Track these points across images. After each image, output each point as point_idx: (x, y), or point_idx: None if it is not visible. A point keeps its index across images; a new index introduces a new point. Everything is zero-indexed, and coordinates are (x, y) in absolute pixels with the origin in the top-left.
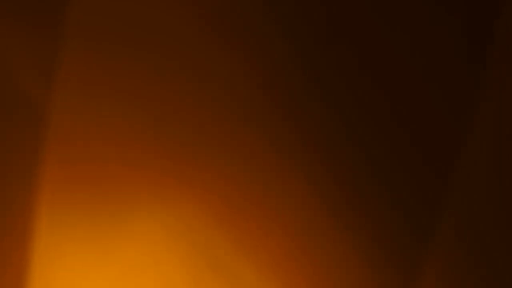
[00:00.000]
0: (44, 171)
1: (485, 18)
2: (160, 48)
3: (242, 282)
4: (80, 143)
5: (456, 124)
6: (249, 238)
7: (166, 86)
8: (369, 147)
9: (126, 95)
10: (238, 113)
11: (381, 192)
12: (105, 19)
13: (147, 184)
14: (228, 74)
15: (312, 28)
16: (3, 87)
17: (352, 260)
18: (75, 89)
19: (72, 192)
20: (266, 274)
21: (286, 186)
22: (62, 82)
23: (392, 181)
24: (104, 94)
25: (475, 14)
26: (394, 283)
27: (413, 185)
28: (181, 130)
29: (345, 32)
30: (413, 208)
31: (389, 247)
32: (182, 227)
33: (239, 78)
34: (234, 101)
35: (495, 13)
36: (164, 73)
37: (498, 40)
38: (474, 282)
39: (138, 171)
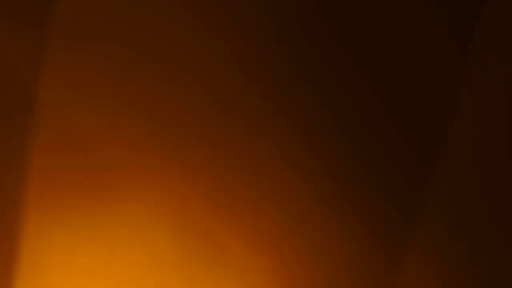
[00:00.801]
0: (33, 158)
1: (466, 20)
2: (149, 47)
3: (230, 259)
4: (69, 130)
5: (441, 115)
6: (237, 216)
7: (152, 82)
8: (357, 136)
9: (113, 91)
10: (227, 104)
11: (369, 178)
12: (93, 17)
13: (136, 165)
14: (217, 70)
15: (305, 26)
16: None
17: (339, 242)
18: (64, 86)
19: (61, 176)
20: (254, 252)
21: (274, 169)
22: (50, 82)
23: (380, 168)
24: (92, 90)
25: (456, 17)
26: (381, 266)
27: (400, 172)
28: (169, 116)
29: (336, 32)
30: (400, 193)
31: (377, 230)
32: (170, 206)
33: (228, 72)
34: (222, 94)
35: (475, 15)
36: (152, 71)
37: (478, 40)
38: (459, 263)
39: (127, 154)
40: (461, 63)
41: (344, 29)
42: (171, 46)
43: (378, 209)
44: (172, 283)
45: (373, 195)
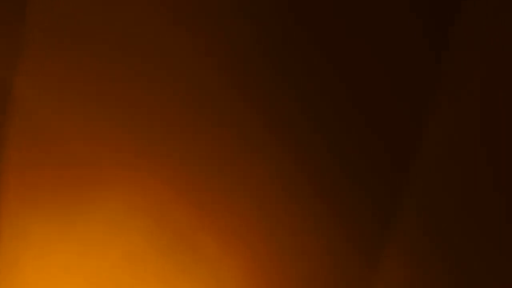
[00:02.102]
0: (8, 155)
1: (441, 25)
2: (127, 46)
3: (205, 257)
4: (44, 127)
5: (416, 116)
6: (212, 215)
7: (128, 80)
8: (333, 137)
9: (88, 89)
10: (205, 102)
11: (345, 178)
12: (69, 16)
13: (112, 163)
14: (196, 69)
15: (284, 27)
16: None
17: (315, 242)
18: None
19: (36, 173)
20: (229, 251)
21: (250, 168)
22: (25, 80)
23: (355, 168)
24: (67, 88)
25: (431, 22)
26: (357, 266)
27: (375, 172)
28: (145, 114)
29: (314, 35)
30: (375, 194)
31: (352, 231)
32: (146, 203)
33: (207, 71)
34: (200, 92)
35: (450, 21)
36: (128, 69)
37: (453, 44)
38: (435, 262)
39: (103, 151)
40: (436, 65)
41: (322, 32)
42: (150, 45)
43: (354, 209)
44: (146, 280)
45: (349, 195)
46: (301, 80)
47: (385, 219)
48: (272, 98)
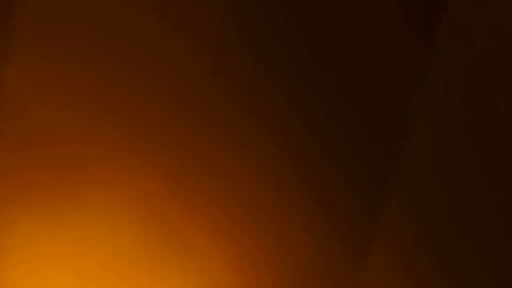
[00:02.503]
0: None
1: (429, 20)
2: (118, 46)
3: (194, 255)
4: (34, 126)
5: (404, 110)
6: (201, 212)
7: (118, 79)
8: (322, 130)
9: (78, 88)
10: (194, 101)
11: (334, 172)
12: (61, 15)
13: (101, 162)
14: (185, 68)
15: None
16: None
17: (304, 236)
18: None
19: (25, 173)
20: (218, 248)
21: (240, 165)
22: (15, 79)
23: (344, 162)
24: (57, 87)
25: (419, 17)
26: (346, 259)
27: (364, 168)
28: (135, 113)
29: (303, 30)
30: (364, 188)
31: (341, 225)
32: (134, 202)
33: (196, 70)
34: (190, 91)
35: (436, 20)
36: (118, 69)
37: (439, 45)
38: (423, 256)
39: (92, 150)
40: (424, 58)
41: (311, 29)
42: (145, 45)
43: (342, 205)
44: (136, 279)
45: (336, 191)
46: (291, 74)
47: (373, 214)
48: (261, 93)
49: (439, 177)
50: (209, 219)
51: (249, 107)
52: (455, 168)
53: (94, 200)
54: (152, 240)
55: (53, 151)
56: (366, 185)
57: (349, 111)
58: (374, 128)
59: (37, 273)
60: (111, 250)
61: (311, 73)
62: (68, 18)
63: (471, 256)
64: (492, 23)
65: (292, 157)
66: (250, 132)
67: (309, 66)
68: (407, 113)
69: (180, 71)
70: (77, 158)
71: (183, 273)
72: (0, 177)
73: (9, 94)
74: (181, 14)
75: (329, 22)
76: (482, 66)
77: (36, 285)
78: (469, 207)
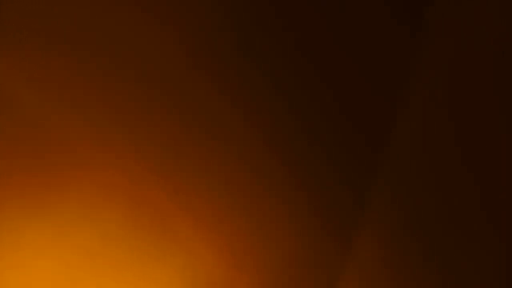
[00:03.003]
0: None
1: (416, 10)
2: (100, 45)
3: (180, 240)
4: (20, 117)
5: (390, 101)
6: (188, 199)
7: (101, 77)
8: (307, 119)
9: (61, 86)
10: (178, 90)
11: (318, 162)
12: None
13: (88, 144)
14: (169, 64)
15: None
16: None
17: (288, 226)
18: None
19: (10, 158)
20: (203, 234)
21: (224, 154)
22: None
23: (329, 152)
24: (40, 87)
25: (403, 15)
26: (330, 248)
27: (349, 156)
28: (123, 99)
29: (288, 22)
30: (349, 177)
31: (326, 214)
32: (121, 186)
33: (180, 66)
34: (175, 85)
35: (418, 27)
36: (100, 69)
37: (425, 36)
38: (408, 244)
39: (79, 132)
40: (410, 50)
41: (298, 22)
42: (136, 46)
43: (327, 192)
44: (121, 262)
45: (322, 178)
46: (277, 67)
47: (358, 201)
48: (244, 82)
49: (423, 168)
50: (195, 207)
51: (236, 101)
52: (438, 159)
53: (80, 183)
54: (138, 224)
55: (39, 137)
56: (352, 173)
57: (335, 102)
58: (359, 119)
59: (22, 255)
60: (96, 233)
61: (297, 65)
62: (62, 18)
63: (455, 244)
64: (478, 16)
65: (277, 148)
66: (234, 125)
67: (295, 59)
68: (393, 103)
69: (168, 71)
70: (63, 142)
71: (168, 258)
72: None
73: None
74: (174, 15)
75: (315, 16)
76: (467, 59)
77: (21, 267)
78: (452, 196)
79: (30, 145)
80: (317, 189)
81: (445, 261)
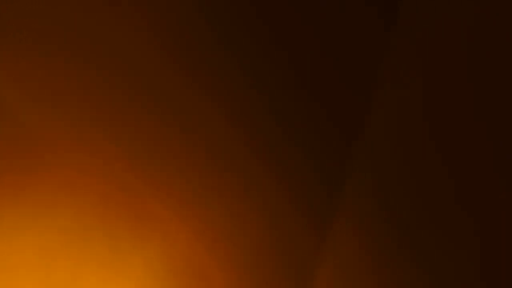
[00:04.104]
0: None
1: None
2: (80, 46)
3: (155, 224)
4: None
5: (364, 88)
6: (162, 182)
7: (79, 76)
8: (280, 105)
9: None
10: (149, 86)
11: (293, 147)
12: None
13: (62, 130)
14: (147, 62)
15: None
16: None
17: (262, 211)
18: None
19: None
20: (178, 219)
21: (199, 140)
22: None
23: (304, 139)
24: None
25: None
26: (304, 234)
27: (324, 142)
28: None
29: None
30: (323, 163)
31: (300, 200)
32: (96, 169)
33: (157, 63)
34: (154, 82)
35: (392, 21)
36: (76, 69)
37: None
38: (382, 230)
39: (54, 119)
40: (384, 38)
41: (272, 14)
42: (107, 45)
43: (302, 179)
44: (96, 242)
45: (297, 165)
46: (250, 54)
47: (332, 190)
48: (220, 73)
49: (397, 157)
50: (170, 198)
51: (211, 90)
52: (413, 148)
53: (55, 164)
54: (113, 205)
55: (14, 123)
56: (327, 159)
57: (310, 92)
58: (333, 108)
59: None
60: (71, 214)
61: (271, 56)
62: (43, 18)
63: (430, 232)
64: (452, 10)
65: (252, 137)
66: (208, 114)
67: (269, 51)
68: (367, 95)
69: (147, 70)
70: (39, 125)
71: (142, 238)
72: None
73: None
74: (155, 15)
75: (291, 9)
76: (441, 51)
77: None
78: (426, 185)
79: (10, 145)
80: (292, 177)
81: (420, 248)
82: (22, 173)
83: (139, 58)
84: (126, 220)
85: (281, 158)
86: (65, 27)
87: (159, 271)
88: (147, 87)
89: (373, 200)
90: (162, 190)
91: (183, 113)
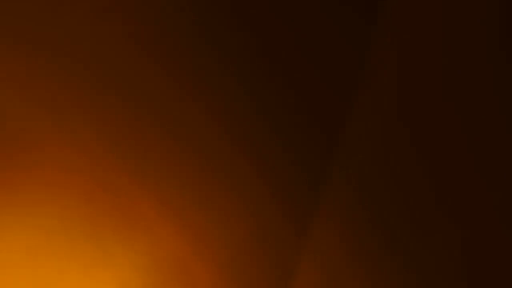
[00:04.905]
0: None
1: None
2: (57, 46)
3: (140, 223)
4: None
5: (346, 88)
6: (149, 179)
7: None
8: (262, 102)
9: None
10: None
11: (274, 145)
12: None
13: (49, 125)
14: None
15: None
16: None
17: (244, 209)
18: None
19: None
20: (163, 217)
21: (182, 136)
22: None
23: (286, 135)
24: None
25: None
26: (286, 231)
27: (306, 139)
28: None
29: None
30: (305, 160)
31: (282, 197)
32: (82, 166)
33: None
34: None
35: (372, 21)
36: (55, 70)
37: (380, 25)
38: (364, 227)
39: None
40: (366, 37)
41: (252, 14)
42: (88, 44)
43: (283, 175)
44: (82, 240)
45: (278, 161)
46: (232, 53)
47: (313, 184)
48: (201, 67)
49: (378, 152)
50: (156, 196)
51: (193, 88)
52: (393, 143)
53: (44, 178)
54: (99, 204)
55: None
56: (306, 159)
57: (291, 88)
58: (314, 103)
59: None
60: (58, 212)
61: (252, 54)
62: (25, 18)
63: (409, 226)
64: (432, 10)
65: (234, 133)
66: (191, 112)
67: (251, 49)
68: (348, 91)
69: (127, 66)
70: (25, 121)
71: (128, 237)
72: None
73: None
74: (136, 14)
75: (272, 10)
76: (420, 51)
77: None
78: (405, 179)
79: None
80: (275, 176)
81: (400, 244)
82: (8, 172)
83: (126, 58)
84: (112, 219)
85: (264, 157)
86: (51, 26)
87: (145, 270)
88: (133, 86)
89: (354, 197)
90: (148, 189)
91: (167, 112)
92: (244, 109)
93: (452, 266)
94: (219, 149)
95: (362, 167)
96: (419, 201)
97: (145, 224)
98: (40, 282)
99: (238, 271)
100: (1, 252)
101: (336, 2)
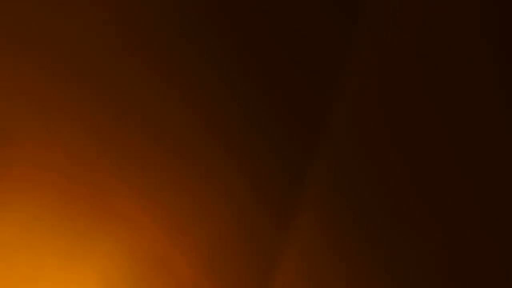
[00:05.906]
0: None
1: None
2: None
3: (118, 218)
4: None
5: (328, 84)
6: (127, 175)
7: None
8: (243, 97)
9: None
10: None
11: (256, 140)
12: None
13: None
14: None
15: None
16: None
17: (225, 204)
18: None
19: None
20: (142, 212)
21: (162, 129)
22: None
23: (268, 131)
24: None
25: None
26: (267, 227)
27: (288, 134)
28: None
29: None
30: (287, 155)
31: (263, 193)
32: (58, 161)
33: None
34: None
35: (354, 20)
36: (40, 68)
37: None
38: (346, 223)
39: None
40: (349, 32)
41: (236, 12)
42: (72, 43)
43: (265, 171)
44: (59, 241)
45: (260, 157)
46: (215, 48)
47: (296, 181)
48: (181, 63)
49: (361, 149)
50: (134, 188)
51: (174, 82)
52: (376, 141)
53: (20, 172)
54: (79, 200)
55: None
56: (290, 151)
57: (273, 84)
58: (296, 100)
59: None
60: (35, 221)
61: (235, 49)
62: (10, 17)
63: (392, 224)
64: (412, 11)
65: (215, 128)
66: (172, 106)
67: (234, 45)
68: (330, 87)
69: (103, 63)
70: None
71: (109, 233)
72: None
73: None
74: (124, 14)
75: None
76: (400, 49)
77: None
78: (388, 176)
79: None
80: (256, 170)
81: (382, 239)
82: None
83: (106, 56)
84: (88, 213)
85: (246, 152)
86: (37, 25)
87: (123, 264)
88: (108, 82)
89: (336, 192)
90: (126, 183)
91: (144, 106)
92: (226, 105)
93: (432, 259)
94: (201, 145)
95: (345, 162)
96: (401, 196)
97: (125, 218)
98: (15, 276)
99: (220, 265)
100: None
101: (317, 2)
